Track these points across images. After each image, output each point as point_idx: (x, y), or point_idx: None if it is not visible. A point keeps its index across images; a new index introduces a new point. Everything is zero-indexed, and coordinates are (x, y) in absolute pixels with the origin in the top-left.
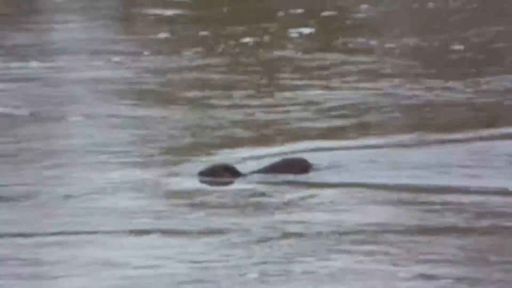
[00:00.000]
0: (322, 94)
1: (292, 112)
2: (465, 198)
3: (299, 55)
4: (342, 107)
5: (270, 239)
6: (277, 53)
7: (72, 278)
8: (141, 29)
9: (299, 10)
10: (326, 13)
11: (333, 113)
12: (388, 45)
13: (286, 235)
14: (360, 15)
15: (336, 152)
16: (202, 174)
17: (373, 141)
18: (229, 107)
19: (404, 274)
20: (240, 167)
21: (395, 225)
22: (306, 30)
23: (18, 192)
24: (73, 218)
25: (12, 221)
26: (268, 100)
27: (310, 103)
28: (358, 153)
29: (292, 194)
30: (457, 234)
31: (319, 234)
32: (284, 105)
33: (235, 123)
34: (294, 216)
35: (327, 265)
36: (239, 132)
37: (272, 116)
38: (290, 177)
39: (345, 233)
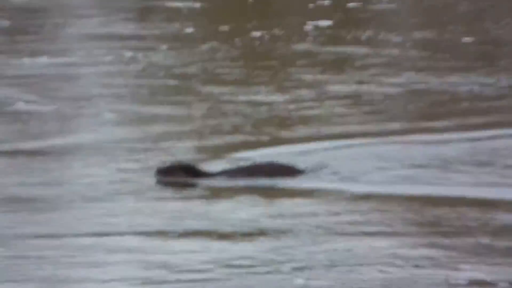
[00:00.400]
0: (342, 88)
1: (308, 109)
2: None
3: (315, 48)
4: (363, 101)
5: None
6: (294, 46)
7: (108, 281)
8: (160, 23)
9: (327, 2)
10: (350, 5)
11: (352, 106)
12: (402, 38)
13: (317, 239)
14: (381, 7)
15: (347, 150)
16: (159, 172)
17: (389, 137)
18: (245, 102)
19: (455, 279)
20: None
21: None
22: (324, 23)
23: (45, 191)
24: (101, 219)
25: (40, 222)
26: (286, 96)
27: (330, 97)
28: (369, 150)
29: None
30: (496, 237)
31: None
32: (302, 101)
33: (250, 119)
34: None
35: (380, 270)
36: (251, 127)
37: (291, 113)
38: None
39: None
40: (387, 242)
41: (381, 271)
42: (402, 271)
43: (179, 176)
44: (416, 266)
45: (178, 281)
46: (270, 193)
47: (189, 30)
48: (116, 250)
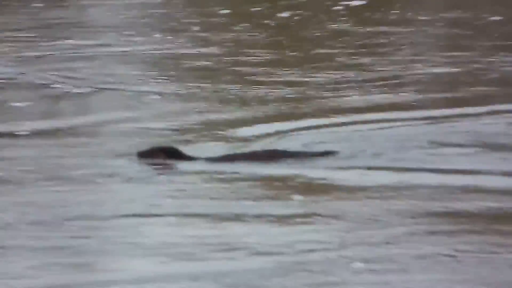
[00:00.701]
0: (379, 69)
1: (340, 90)
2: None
3: (348, 28)
4: (403, 81)
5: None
6: (327, 27)
7: (151, 262)
8: (193, 5)
9: None
10: None
11: (391, 86)
12: (434, 17)
13: (369, 221)
14: None
15: (390, 131)
16: (140, 155)
17: (436, 118)
18: (278, 83)
19: None
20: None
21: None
22: (355, 3)
23: (87, 171)
24: (146, 200)
25: (83, 203)
26: (320, 77)
27: (367, 78)
28: (413, 132)
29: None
30: None
31: (400, 219)
32: (337, 82)
33: (283, 99)
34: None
35: (446, 253)
36: (273, 108)
37: (324, 94)
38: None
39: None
40: (449, 226)
41: (446, 254)
42: (468, 253)
43: (160, 158)
44: (483, 249)
45: (239, 265)
46: (309, 178)
47: (224, 11)
48: (168, 231)
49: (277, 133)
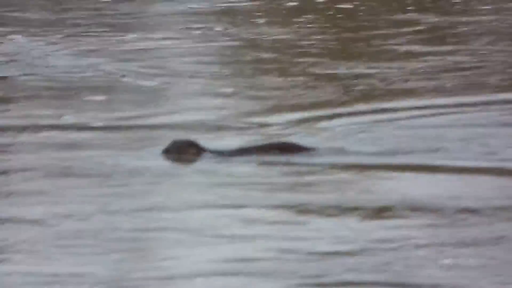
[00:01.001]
0: (450, 59)
1: (406, 80)
2: None
3: (415, 17)
4: (476, 71)
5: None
6: (393, 16)
7: (229, 255)
8: None
9: None
10: None
11: (463, 77)
12: (495, 7)
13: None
14: None
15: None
16: (166, 151)
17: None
18: (344, 74)
19: None
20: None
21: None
22: None
23: (153, 164)
24: (211, 192)
25: (154, 194)
26: (387, 67)
27: (438, 69)
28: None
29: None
30: None
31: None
32: (406, 73)
33: (350, 91)
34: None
35: None
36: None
37: (391, 86)
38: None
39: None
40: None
41: None
42: None
43: (186, 153)
44: None
45: (326, 260)
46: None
47: (291, 4)
48: (246, 224)
49: (327, 121)
